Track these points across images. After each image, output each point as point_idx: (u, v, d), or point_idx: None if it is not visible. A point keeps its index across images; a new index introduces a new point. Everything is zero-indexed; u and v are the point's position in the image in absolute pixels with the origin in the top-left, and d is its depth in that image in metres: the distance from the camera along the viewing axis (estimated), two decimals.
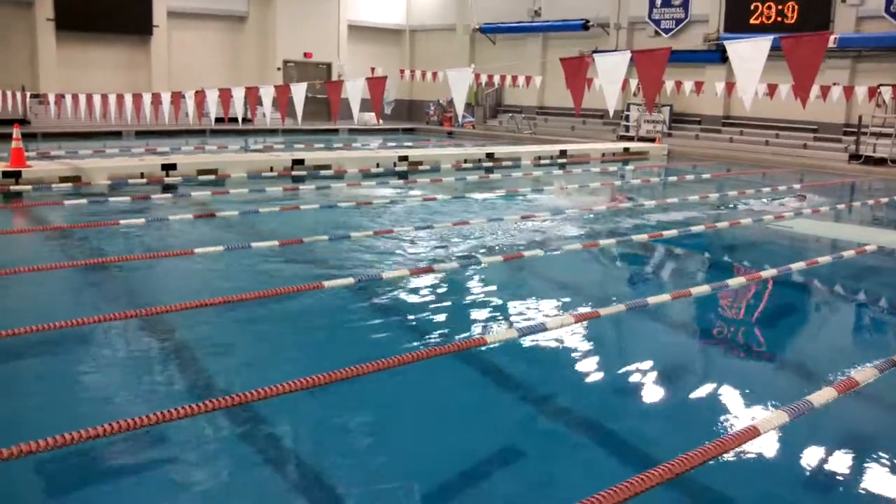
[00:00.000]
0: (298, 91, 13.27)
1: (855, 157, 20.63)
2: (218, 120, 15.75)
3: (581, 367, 5.81)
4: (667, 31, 26.84)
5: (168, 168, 14.17)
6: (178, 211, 10.73)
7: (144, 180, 13.61)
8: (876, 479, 4.18)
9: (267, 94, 13.94)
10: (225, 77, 28.05)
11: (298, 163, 15.77)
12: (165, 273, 8.01)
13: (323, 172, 15.67)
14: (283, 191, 13.16)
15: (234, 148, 19.83)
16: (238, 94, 14.43)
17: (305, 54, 30.98)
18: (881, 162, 19.99)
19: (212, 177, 14.36)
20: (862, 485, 4.12)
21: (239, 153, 18.40)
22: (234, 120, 16.12)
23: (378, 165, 17.05)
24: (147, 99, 17.09)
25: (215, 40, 30.07)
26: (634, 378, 5.53)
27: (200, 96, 14.84)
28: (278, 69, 30.19)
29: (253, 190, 13.02)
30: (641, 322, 6.91)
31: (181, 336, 5.98)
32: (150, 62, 27.84)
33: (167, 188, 13.17)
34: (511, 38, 31.65)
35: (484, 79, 27.09)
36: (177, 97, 15.78)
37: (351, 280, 7.25)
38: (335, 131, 26.86)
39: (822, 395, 4.81)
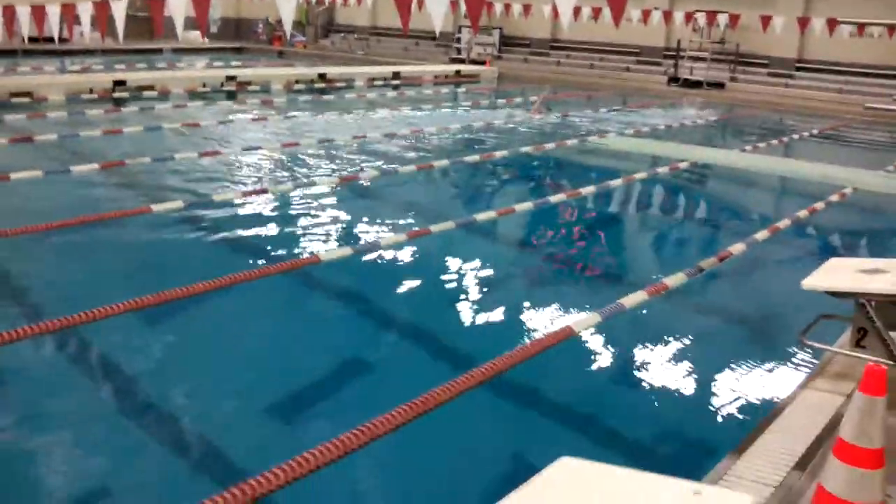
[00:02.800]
0: (119, 8, 12.64)
1: (674, 79, 21.65)
2: (31, 39, 14.76)
3: (412, 280, 6.01)
4: None
5: None
6: None
7: None
8: (681, 372, 4.60)
9: (85, 10, 13.19)
10: None
11: (120, 84, 15.04)
12: None
13: (146, 94, 15.03)
14: (105, 113, 12.61)
15: (50, 69, 18.69)
16: (53, 11, 13.57)
17: None
18: (697, 84, 21.09)
19: (27, 99, 13.52)
20: (667, 378, 4.53)
21: (56, 74, 17.36)
22: (50, 39, 15.17)
23: (205, 86, 16.52)
24: None
25: None
26: (460, 287, 5.79)
27: (10, 11, 13.87)
28: None
29: (72, 113, 12.41)
30: (469, 237, 7.16)
31: (1, 265, 5.77)
32: None
33: None
34: None
35: None
36: None
37: (180, 203, 7.14)
38: (159, 51, 25.58)
39: (634, 298, 5.22)
